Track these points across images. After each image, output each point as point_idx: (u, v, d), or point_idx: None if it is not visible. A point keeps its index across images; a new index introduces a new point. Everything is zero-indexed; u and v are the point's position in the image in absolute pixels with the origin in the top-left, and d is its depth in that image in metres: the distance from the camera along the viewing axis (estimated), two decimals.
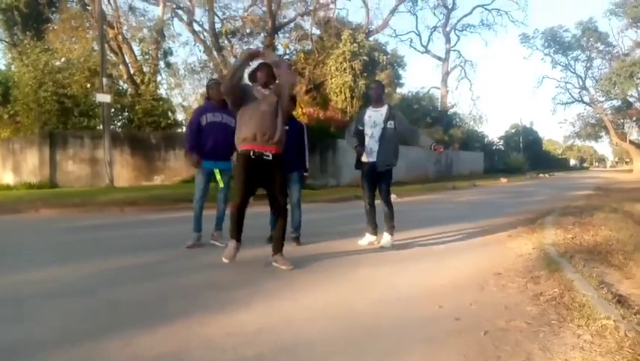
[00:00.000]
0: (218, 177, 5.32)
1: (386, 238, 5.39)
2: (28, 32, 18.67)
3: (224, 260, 4.23)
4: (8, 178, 14.71)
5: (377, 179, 5.46)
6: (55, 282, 3.95)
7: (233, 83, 4.23)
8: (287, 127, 5.12)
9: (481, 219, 8.07)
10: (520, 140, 49.23)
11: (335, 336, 2.67)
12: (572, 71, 43.61)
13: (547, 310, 3.04)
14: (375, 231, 5.55)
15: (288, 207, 4.75)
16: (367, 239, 5.55)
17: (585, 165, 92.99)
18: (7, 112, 15.88)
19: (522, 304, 3.24)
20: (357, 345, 2.54)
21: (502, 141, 50.27)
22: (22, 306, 3.28)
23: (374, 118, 5.44)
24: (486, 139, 43.40)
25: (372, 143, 5.40)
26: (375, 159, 5.36)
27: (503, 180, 24.91)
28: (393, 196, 4.92)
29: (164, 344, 2.55)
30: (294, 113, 5.41)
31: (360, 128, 5.52)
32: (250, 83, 4.48)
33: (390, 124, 5.36)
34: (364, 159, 5.47)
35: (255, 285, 3.78)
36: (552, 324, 2.78)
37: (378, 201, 5.56)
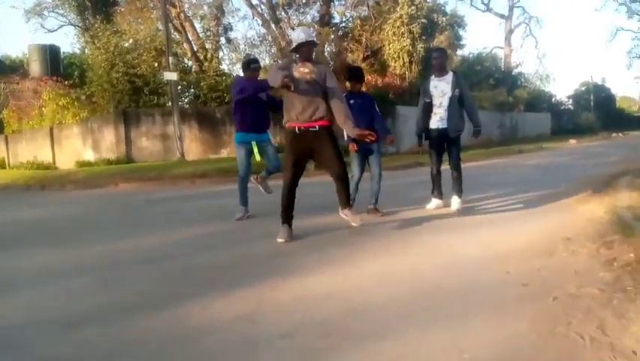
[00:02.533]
0: (255, 150, 5.44)
1: (455, 201, 5.48)
2: (97, 16, 19.59)
3: (279, 240, 4.30)
4: (89, 155, 15.77)
5: (447, 145, 5.53)
6: (136, 251, 4.30)
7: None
8: (359, 100, 5.34)
9: (549, 182, 7.76)
10: (591, 98, 45.91)
11: (402, 300, 2.75)
12: None
13: (622, 276, 2.93)
14: (441, 195, 5.66)
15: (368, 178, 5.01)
16: (434, 203, 5.66)
17: None
18: (84, 93, 16.90)
19: (594, 269, 3.14)
20: (424, 309, 2.60)
21: (571, 100, 47.05)
22: (107, 273, 3.62)
23: (441, 87, 5.43)
24: (553, 99, 40.80)
25: (441, 111, 5.43)
26: (445, 126, 5.40)
27: (572, 141, 23.55)
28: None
29: (238, 307, 2.74)
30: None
31: (427, 100, 5.51)
32: (294, 57, 4.44)
33: (457, 92, 5.36)
34: (433, 125, 5.50)
35: (321, 253, 3.91)
36: (627, 291, 2.68)
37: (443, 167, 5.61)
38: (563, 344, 2.12)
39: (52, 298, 3.09)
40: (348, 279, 3.18)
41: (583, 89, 49.33)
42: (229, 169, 11.28)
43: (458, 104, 5.39)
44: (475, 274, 3.21)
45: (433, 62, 5.63)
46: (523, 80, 35.77)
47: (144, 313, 2.71)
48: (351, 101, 5.27)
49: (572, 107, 45.09)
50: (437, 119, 5.46)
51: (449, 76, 5.44)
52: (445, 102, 5.39)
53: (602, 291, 2.73)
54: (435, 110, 5.47)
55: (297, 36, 4.33)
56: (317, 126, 4.26)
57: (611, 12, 75.67)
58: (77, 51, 23.41)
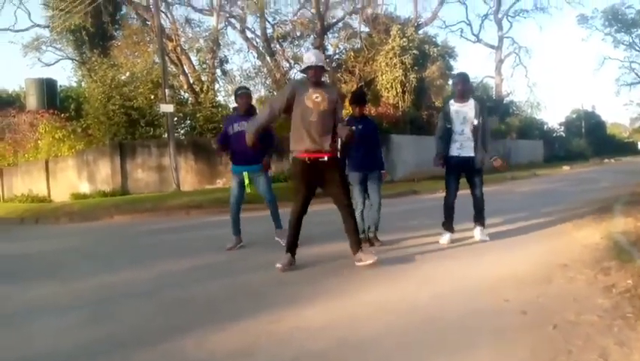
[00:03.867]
0: (246, 181, 5.51)
1: (479, 231, 5.34)
2: (95, 50, 19.90)
3: (277, 266, 4.26)
4: (84, 187, 15.71)
5: (470, 174, 5.36)
6: (130, 284, 4.24)
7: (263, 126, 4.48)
8: (360, 126, 5.24)
9: (544, 208, 7.78)
10: (582, 125, 46.57)
11: (400, 331, 2.71)
12: (637, 49, 40.91)
13: (621, 303, 2.92)
14: (452, 228, 5.34)
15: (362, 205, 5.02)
16: (448, 237, 5.26)
17: None
18: (80, 125, 16.98)
19: (592, 296, 3.12)
20: (423, 341, 2.56)
21: (562, 127, 47.73)
22: (101, 307, 3.55)
23: (462, 114, 5.23)
24: (545, 126, 41.35)
25: (462, 139, 5.23)
26: (468, 155, 5.22)
27: (566, 167, 23.76)
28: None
29: (235, 341, 2.69)
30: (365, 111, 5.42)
31: (449, 126, 5.26)
32: (301, 82, 4.46)
33: (481, 120, 5.23)
34: (453, 152, 5.27)
35: (317, 283, 3.87)
36: (627, 318, 2.67)
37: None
38: None
39: (45, 333, 3.03)
40: (345, 310, 3.14)
41: (574, 116, 50.07)
42: (224, 200, 11.17)
43: (484, 134, 5.27)
44: (473, 302, 3.18)
45: (455, 88, 5.43)
46: (514, 108, 36.28)
47: (138, 349, 2.65)
48: (353, 127, 5.29)
49: (563, 134, 45.68)
50: (457, 147, 5.24)
51: (471, 103, 5.27)
52: (467, 130, 5.20)
53: (602, 318, 2.72)
54: (455, 137, 5.24)
55: (308, 58, 4.39)
56: (326, 157, 4.27)
57: (597, 41, 77.70)
58: (74, 84, 23.63)
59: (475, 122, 5.19)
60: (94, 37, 22.31)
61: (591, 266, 3.87)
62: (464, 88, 5.32)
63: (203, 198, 11.67)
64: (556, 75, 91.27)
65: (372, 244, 5.28)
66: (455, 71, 26.66)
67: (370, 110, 19.68)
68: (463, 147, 5.24)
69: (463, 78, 5.42)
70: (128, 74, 17.63)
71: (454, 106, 5.33)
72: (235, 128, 5.53)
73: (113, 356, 2.57)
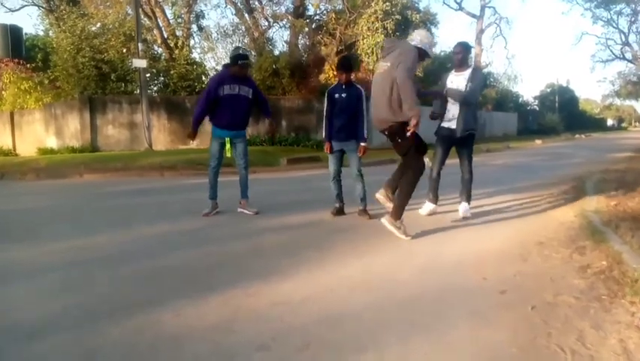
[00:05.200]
0: (227, 146, 5.34)
1: (465, 206, 5.21)
2: None
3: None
4: (51, 142, 15.19)
5: (458, 146, 5.22)
6: (102, 249, 4.10)
7: None
8: (344, 94, 5.10)
9: (519, 183, 7.89)
10: (556, 99, 47.33)
11: (380, 308, 2.69)
12: (614, 27, 41.11)
13: (596, 284, 2.97)
14: (436, 200, 5.35)
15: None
16: (428, 208, 5.32)
17: (624, 125, 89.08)
18: (47, 77, 16.24)
19: (568, 276, 3.17)
20: (403, 318, 2.55)
21: (536, 100, 48.46)
22: (71, 273, 3.42)
23: (456, 83, 5.09)
24: (520, 99, 41.91)
25: (454, 109, 5.08)
26: (455, 126, 5.07)
27: (538, 141, 24.18)
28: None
29: (214, 314, 2.63)
30: (352, 77, 5.14)
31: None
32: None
33: (469, 87, 4.99)
34: (444, 124, 5.17)
35: (296, 255, 3.82)
36: (602, 300, 2.72)
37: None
38: (544, 358, 2.11)
39: (13, 301, 2.90)
40: (325, 284, 3.10)
41: (548, 90, 50.78)
42: (199, 161, 11.02)
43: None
44: (452, 279, 3.19)
45: (455, 57, 5.24)
46: (492, 79, 36.45)
47: (111, 320, 2.56)
48: (336, 95, 5.14)
49: (537, 108, 46.35)
50: (449, 117, 5.12)
51: (467, 72, 5.07)
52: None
53: (578, 299, 2.76)
54: (448, 106, 5.12)
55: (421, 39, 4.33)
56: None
57: (577, 16, 78.10)
58: (41, 33, 22.47)
59: (462, 90, 5.01)
60: None
61: (566, 245, 3.94)
62: (461, 56, 5.16)
63: (177, 159, 11.41)
64: (534, 48, 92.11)
65: (370, 217, 5.15)
66: (436, 39, 26.44)
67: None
68: (453, 117, 5.10)
69: (464, 47, 5.21)
70: (99, 25, 16.84)
71: (451, 75, 5.20)
72: (226, 90, 5.24)
73: (82, 328, 2.47)
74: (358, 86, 5.25)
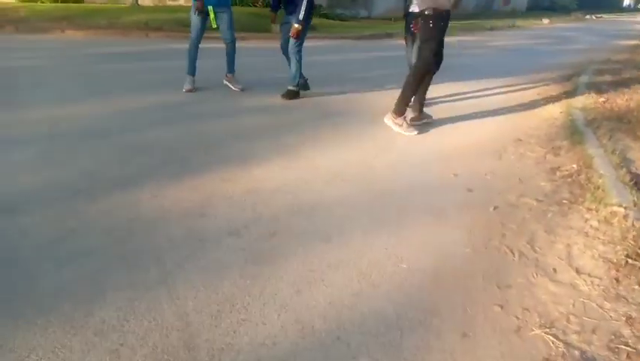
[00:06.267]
0: (212, 15, 5.03)
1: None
2: None
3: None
4: None
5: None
6: (81, 121, 4.09)
7: None
8: None
9: (512, 70, 7.69)
10: None
11: (351, 201, 2.80)
12: None
13: (561, 188, 3.08)
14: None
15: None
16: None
17: None
18: None
19: (537, 178, 3.27)
20: (370, 213, 2.68)
21: None
22: (48, 146, 3.45)
23: None
24: None
25: None
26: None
27: (545, 20, 23.04)
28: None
29: (189, 197, 2.74)
30: None
31: None
32: None
33: None
34: (413, 9, 4.53)
35: (274, 139, 3.85)
36: (562, 204, 2.84)
37: None
38: (493, 258, 2.27)
39: None
40: (299, 174, 3.18)
41: None
42: (187, 22, 10.43)
43: None
44: (424, 175, 3.28)
45: None
46: None
47: (89, 199, 2.65)
48: None
49: None
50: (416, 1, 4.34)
51: None
52: None
53: (540, 202, 2.88)
54: None
55: None
56: None
57: None
58: None
59: None
60: None
61: (544, 143, 3.99)
62: None
63: (164, 18, 10.86)
64: None
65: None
66: None
67: None
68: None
69: None
70: None
71: None
72: None
73: (61, 204, 2.57)
74: None
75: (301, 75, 5.21)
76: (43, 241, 2.22)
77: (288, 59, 5.13)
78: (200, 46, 5.21)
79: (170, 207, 2.62)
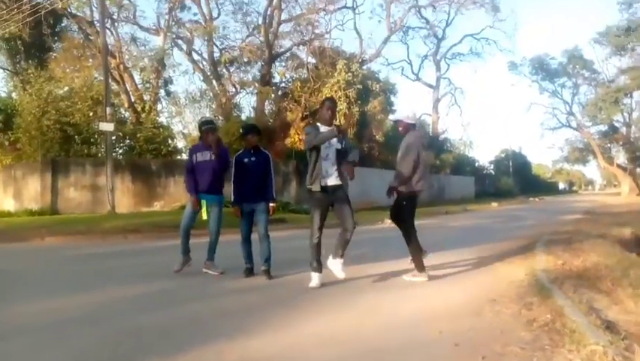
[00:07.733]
0: (204, 208, 5.62)
1: (336, 263, 4.91)
2: (30, 61, 19.06)
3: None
4: (9, 204, 14.84)
5: (338, 203, 4.89)
6: (73, 310, 4.13)
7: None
8: (253, 158, 5.45)
9: (475, 244, 8.28)
10: (510, 164, 50.01)
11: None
12: (559, 97, 44.56)
13: (540, 336, 3.24)
14: (321, 268, 4.93)
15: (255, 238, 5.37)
16: (317, 280, 4.88)
17: (574, 188, 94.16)
18: (7, 139, 16.11)
19: (516, 329, 3.44)
20: None
21: (492, 165, 51.08)
22: (42, 335, 3.45)
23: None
24: (477, 164, 44.08)
25: (327, 165, 4.79)
26: (335, 183, 4.80)
27: (494, 204, 25.25)
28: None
29: None
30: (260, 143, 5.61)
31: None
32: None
33: (344, 143, 4.85)
34: (316, 187, 4.76)
35: (263, 312, 3.97)
36: (545, 349, 2.98)
37: None
38: None
39: None
40: (292, 341, 3.25)
41: (503, 155, 53.59)
42: (162, 224, 11.03)
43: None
44: (412, 333, 3.41)
45: (323, 111, 4.95)
46: (449, 145, 38.29)
47: None
48: (245, 160, 5.43)
49: (493, 172, 48.62)
50: (323, 175, 4.77)
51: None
52: (332, 155, 4.80)
53: (524, 349, 3.01)
54: (320, 162, 4.77)
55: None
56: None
57: (525, 87, 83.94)
58: (3, 94, 22.41)
59: (337, 146, 4.80)
60: (30, 47, 21.37)
61: (516, 301, 4.23)
62: (334, 110, 5.02)
63: (141, 222, 11.39)
64: (488, 116, 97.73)
65: (270, 278, 5.30)
66: (395, 107, 27.86)
67: None
68: (328, 174, 4.81)
69: (332, 101, 5.11)
70: (66, 88, 17.03)
71: (322, 128, 4.85)
72: (199, 157, 5.68)
73: None
74: (265, 150, 5.70)
75: (250, 260, 5.51)
76: None
77: (249, 249, 5.52)
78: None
79: None
